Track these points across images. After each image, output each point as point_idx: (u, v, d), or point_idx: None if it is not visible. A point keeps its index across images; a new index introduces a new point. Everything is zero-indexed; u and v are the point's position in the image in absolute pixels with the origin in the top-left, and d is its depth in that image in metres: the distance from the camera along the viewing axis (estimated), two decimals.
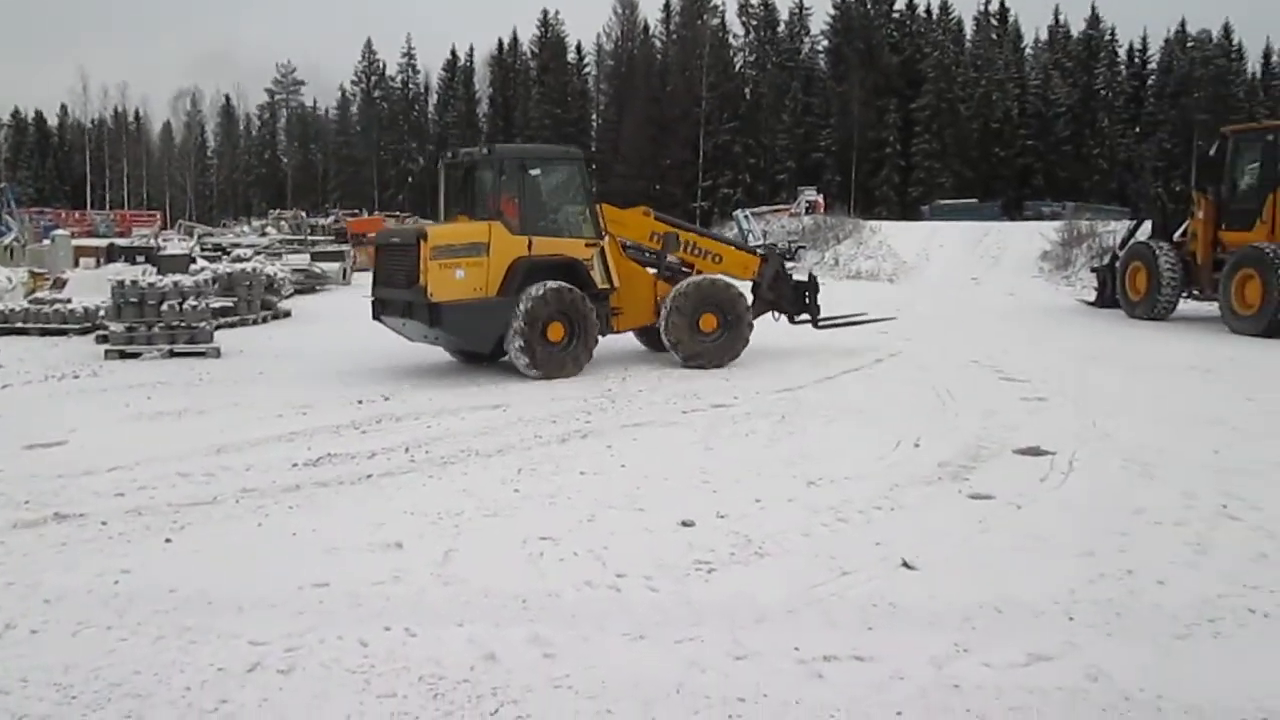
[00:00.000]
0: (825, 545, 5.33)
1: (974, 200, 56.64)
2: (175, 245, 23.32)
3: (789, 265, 12.94)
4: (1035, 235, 30.09)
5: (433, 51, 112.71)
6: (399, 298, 10.91)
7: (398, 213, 53.55)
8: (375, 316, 11.57)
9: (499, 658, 3.97)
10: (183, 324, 12.38)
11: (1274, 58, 70.99)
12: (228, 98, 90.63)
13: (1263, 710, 3.61)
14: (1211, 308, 16.54)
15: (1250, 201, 16.21)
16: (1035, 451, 7.47)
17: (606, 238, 11.45)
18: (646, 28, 79.76)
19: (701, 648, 4.08)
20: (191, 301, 12.45)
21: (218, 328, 13.96)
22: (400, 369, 11.31)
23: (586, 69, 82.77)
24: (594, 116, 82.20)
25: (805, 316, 12.94)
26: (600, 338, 11.34)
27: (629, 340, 12.81)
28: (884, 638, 4.18)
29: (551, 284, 10.65)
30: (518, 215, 10.86)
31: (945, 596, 4.63)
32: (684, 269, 12.22)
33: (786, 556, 5.18)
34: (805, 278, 13.42)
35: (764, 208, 49.83)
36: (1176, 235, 17.80)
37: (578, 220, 11.47)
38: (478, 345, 11.15)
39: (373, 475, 6.76)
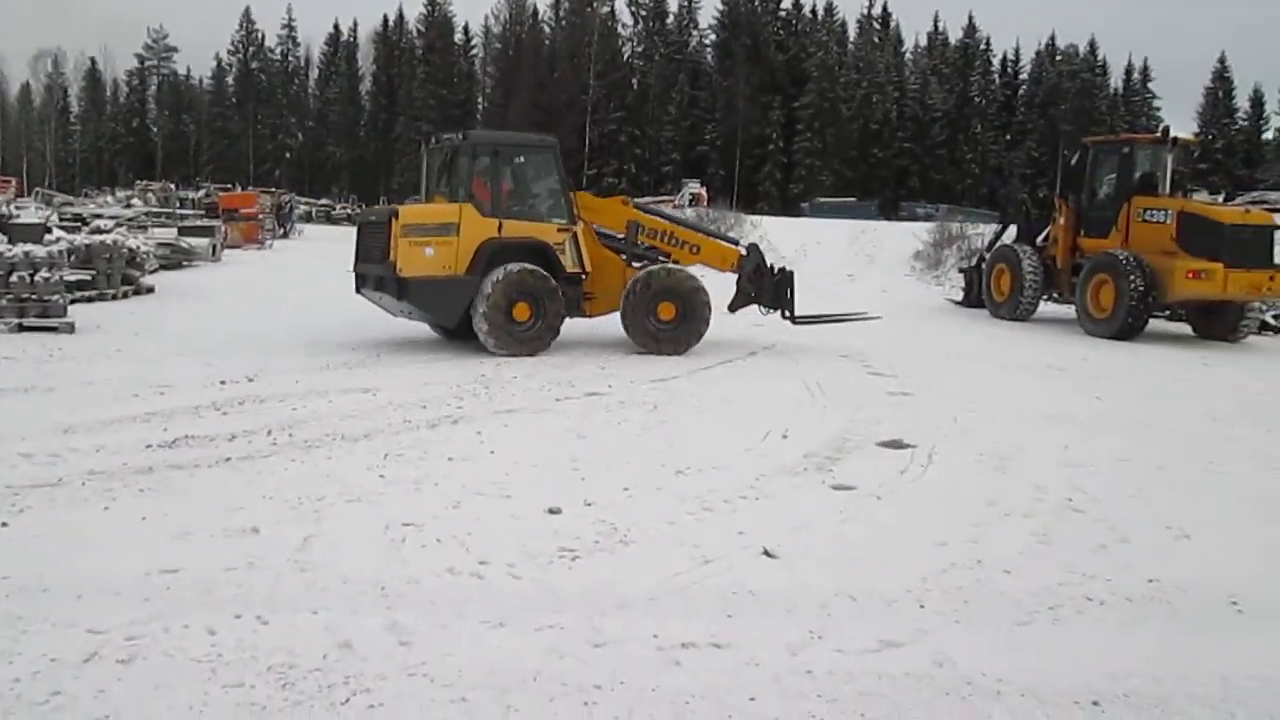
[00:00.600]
0: (690, 534, 5.38)
1: (852, 199, 58.08)
2: (31, 214, 22.08)
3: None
4: (909, 235, 30.98)
5: (314, 25, 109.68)
6: (374, 272, 11.66)
7: (273, 189, 51.91)
8: (356, 290, 12.31)
9: (354, 646, 3.88)
10: (33, 296, 11.74)
11: (1134, 74, 74.65)
12: (93, 61, 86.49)
13: (1093, 693, 3.78)
14: (1070, 310, 17.30)
15: (1107, 210, 17.01)
16: (897, 445, 7.69)
17: (580, 224, 11.88)
18: (535, 12, 79.46)
19: (561, 635, 4.07)
20: (44, 273, 11.82)
21: (73, 302, 13.30)
22: (268, 349, 10.97)
23: (473, 51, 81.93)
24: (480, 99, 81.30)
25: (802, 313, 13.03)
26: (580, 318, 12.16)
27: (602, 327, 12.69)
28: (742, 625, 4.24)
29: (518, 266, 11.20)
30: (490, 198, 11.53)
31: (804, 585, 4.72)
32: (661, 258, 12.42)
33: (651, 545, 5.21)
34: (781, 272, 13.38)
35: (648, 198, 50.00)
36: (1039, 240, 18.54)
37: (550, 206, 12.04)
38: (443, 319, 11.75)
39: (231, 459, 6.53)
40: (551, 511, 5.64)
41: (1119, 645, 4.26)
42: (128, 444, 6.73)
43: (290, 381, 9.16)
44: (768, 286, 12.84)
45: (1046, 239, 18.34)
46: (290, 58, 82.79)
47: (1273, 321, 18.11)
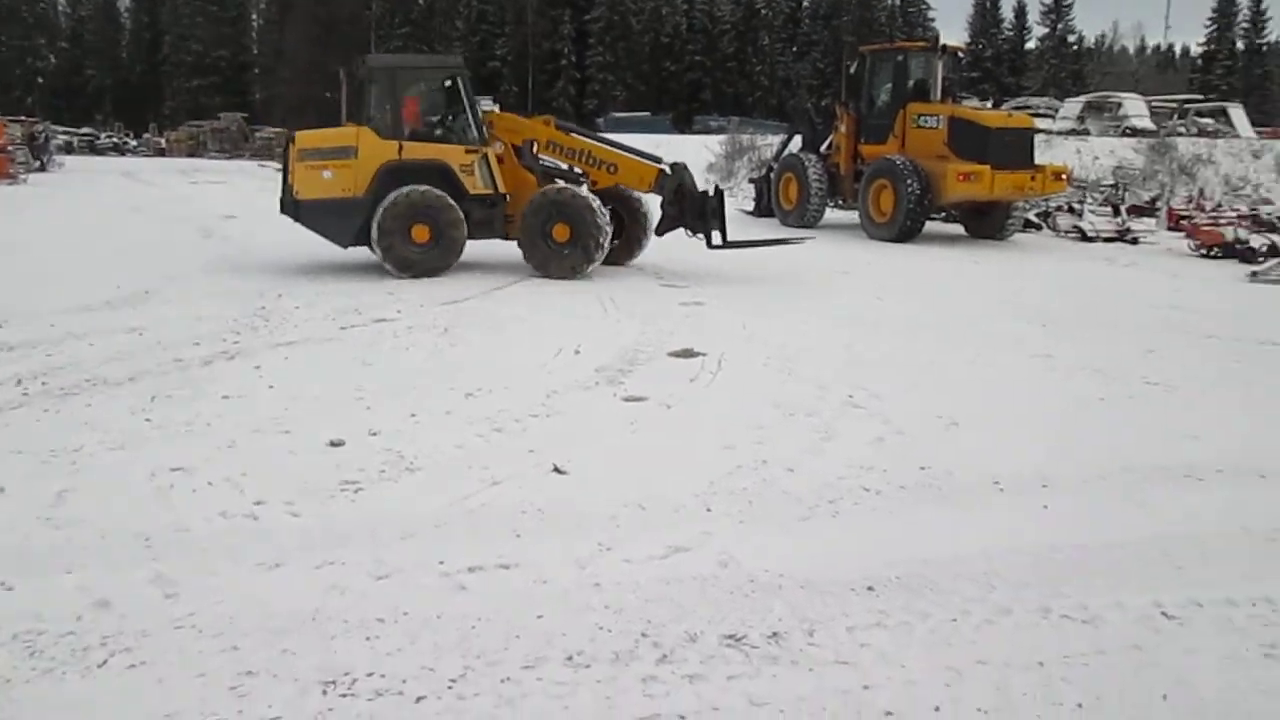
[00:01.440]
0: (479, 456, 5.28)
1: (647, 113, 58.18)
2: None
3: None
4: (702, 148, 31.30)
5: None
6: (285, 196, 11.86)
7: (25, 117, 47.43)
8: (281, 212, 12.10)
9: (112, 603, 3.61)
10: None
11: None
12: None
13: (868, 578, 3.95)
14: (854, 216, 17.93)
15: (884, 117, 17.62)
16: (688, 354, 7.79)
17: (498, 146, 11.84)
18: None
19: (342, 570, 3.92)
20: None
21: None
22: (18, 292, 10.03)
23: None
24: (254, 16, 76.50)
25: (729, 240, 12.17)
26: (502, 239, 12.17)
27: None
28: (530, 544, 4.20)
29: (414, 188, 11.19)
30: (389, 121, 11.62)
31: (593, 498, 4.72)
32: (580, 178, 12.14)
33: (438, 470, 5.08)
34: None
35: None
36: (824, 148, 19.06)
37: (458, 127, 11.90)
38: (336, 239, 11.74)
39: None
40: (334, 444, 5.42)
41: (893, 532, 4.46)
42: None
43: (44, 326, 8.41)
44: (691, 208, 12.03)
45: (830, 147, 18.87)
46: None
47: (1035, 219, 19.34)
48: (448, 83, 12.11)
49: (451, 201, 11.33)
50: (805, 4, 75.81)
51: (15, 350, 7.54)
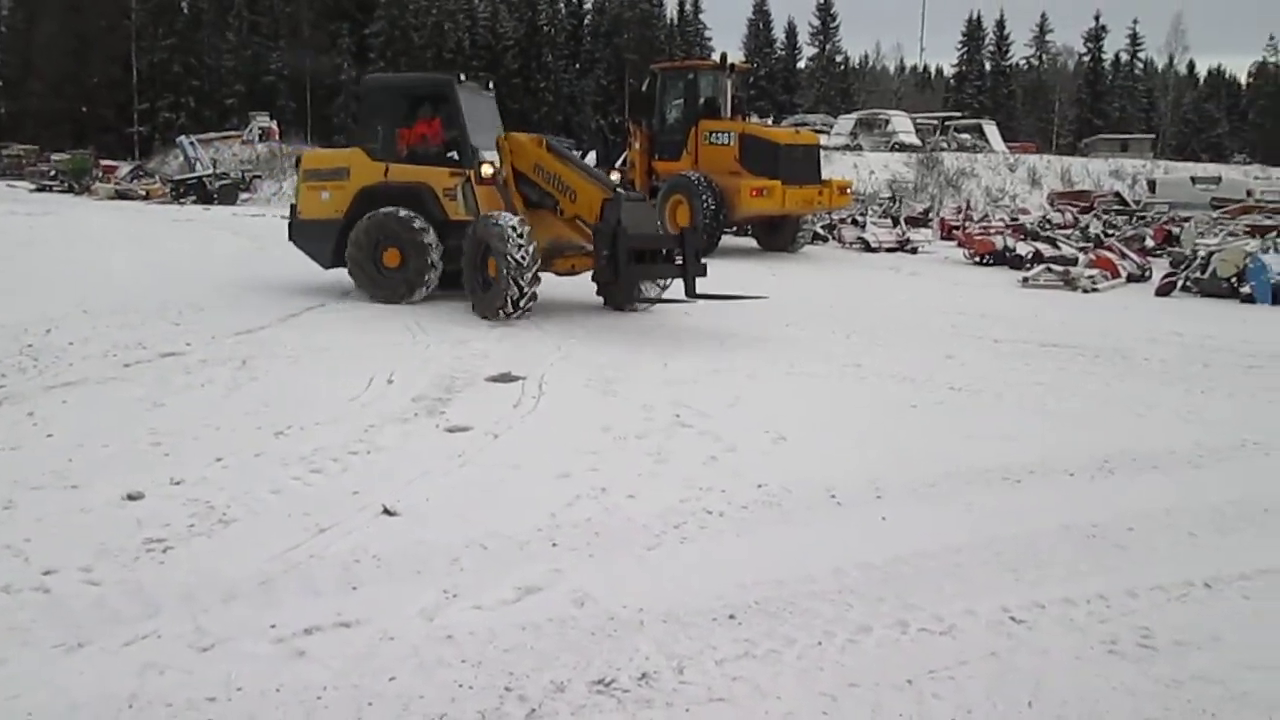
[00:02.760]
0: (299, 502, 4.89)
1: None
2: None
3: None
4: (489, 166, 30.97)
5: None
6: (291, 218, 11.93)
7: None
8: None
9: None
10: None
11: (687, 6, 79.53)
12: None
13: (728, 606, 3.86)
14: None
15: (677, 134, 17.92)
16: (507, 378, 7.58)
17: (488, 168, 10.60)
18: None
19: (159, 645, 3.49)
20: None
21: None
22: None
23: None
24: None
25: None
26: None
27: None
28: (370, 596, 3.89)
29: (384, 211, 10.81)
30: (379, 142, 11.31)
31: (431, 540, 4.44)
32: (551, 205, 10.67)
33: (256, 519, 4.67)
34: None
35: (212, 134, 46.14)
36: (618, 165, 19.16)
37: (448, 149, 11.14)
38: (318, 259, 11.65)
39: None
40: (131, 497, 4.89)
41: (743, 554, 4.41)
42: None
43: None
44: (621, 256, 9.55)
45: (624, 164, 19.00)
46: None
47: (822, 231, 20.14)
48: (435, 99, 11.27)
49: (420, 225, 10.69)
50: (587, 21, 76.53)
51: None
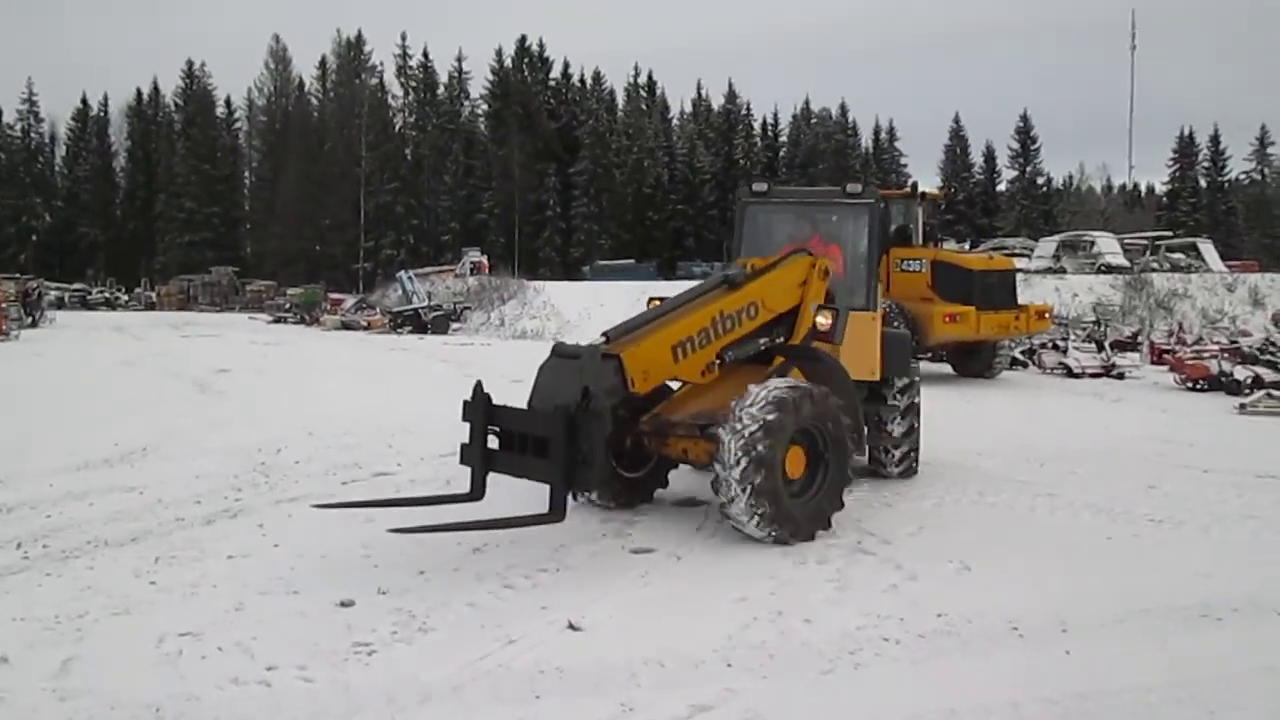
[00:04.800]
0: (491, 614, 5.21)
1: (631, 260, 59.32)
2: None
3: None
4: None
5: (59, 100, 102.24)
6: None
7: (19, 274, 48.10)
8: None
9: None
10: None
11: (882, 134, 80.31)
12: None
13: None
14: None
15: None
16: (690, 502, 7.77)
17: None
18: (302, 84, 77.64)
19: None
20: None
21: None
22: (17, 451, 9.98)
23: (237, 124, 78.99)
24: (247, 173, 78.47)
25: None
26: None
27: None
28: (551, 706, 4.12)
29: None
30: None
31: (611, 656, 4.64)
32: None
33: (451, 629, 5.01)
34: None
35: (429, 269, 49.48)
36: None
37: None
38: None
39: None
40: (343, 604, 5.34)
41: (916, 682, 4.40)
42: None
43: (43, 485, 8.34)
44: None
45: None
46: (33, 134, 77.18)
47: (1021, 357, 19.64)
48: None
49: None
50: (782, 154, 78.35)
51: (14, 512, 7.47)
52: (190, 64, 76.26)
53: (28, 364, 20.52)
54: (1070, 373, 18.47)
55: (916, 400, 8.85)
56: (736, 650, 4.74)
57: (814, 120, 78.67)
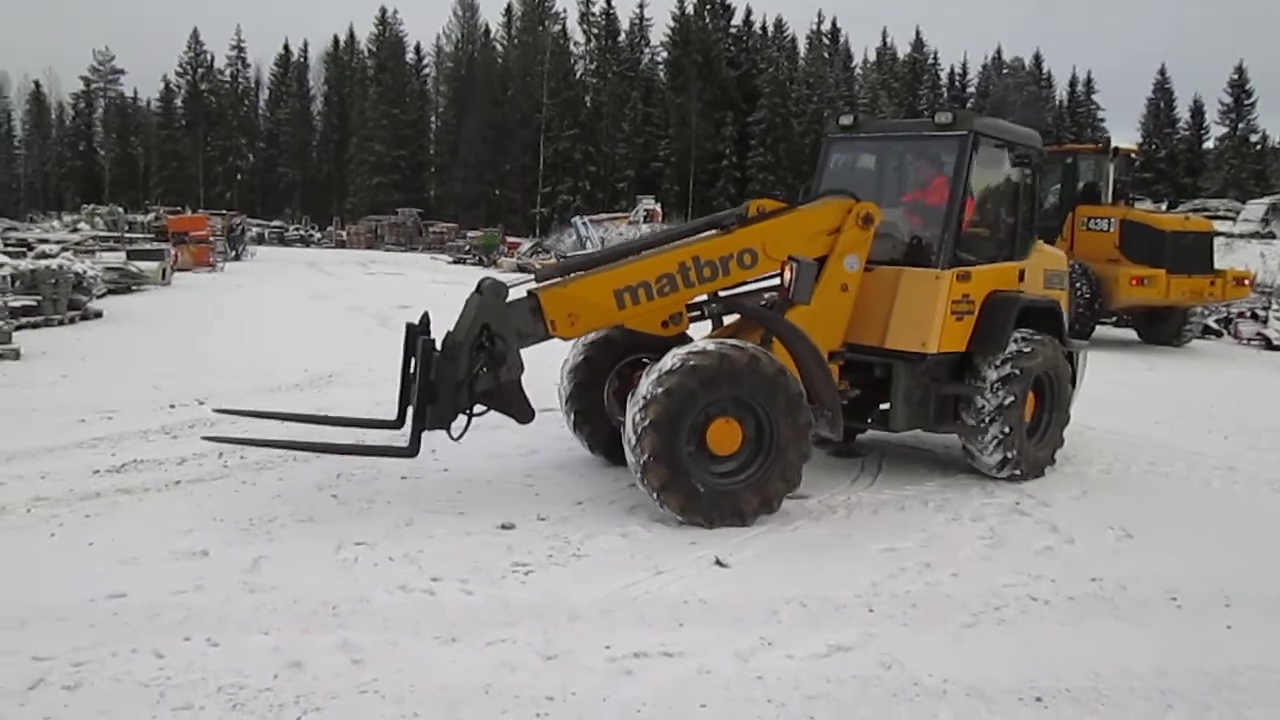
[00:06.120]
0: (643, 546, 5.41)
1: None
2: None
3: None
4: None
5: (264, 46, 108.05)
6: None
7: (225, 211, 51.42)
8: None
9: (304, 665, 3.87)
10: None
11: (1078, 86, 76.08)
12: (37, 84, 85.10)
13: (1036, 689, 3.87)
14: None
15: (1052, 220, 17.23)
16: (849, 452, 7.78)
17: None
18: (487, 31, 79.32)
19: (513, 649, 4.09)
20: None
21: (18, 328, 13.09)
22: (219, 372, 10.84)
23: (425, 70, 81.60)
24: (433, 118, 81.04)
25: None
26: None
27: None
28: (693, 634, 4.28)
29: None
30: None
31: (755, 592, 4.77)
32: None
33: (604, 557, 5.24)
34: None
35: (603, 215, 50.15)
36: None
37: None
38: None
39: (181, 482, 6.48)
40: (504, 527, 5.65)
41: (1061, 642, 4.35)
42: (74, 470, 6.63)
43: (241, 404, 9.04)
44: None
45: None
46: (240, 79, 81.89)
47: (1215, 325, 18.53)
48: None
49: None
50: (969, 105, 75.40)
51: (215, 426, 8.12)
52: (384, 11, 79.14)
53: (229, 294, 22.03)
54: (1269, 344, 17.31)
55: (1016, 387, 6.93)
56: (880, 597, 4.79)
57: (1005, 70, 75.29)
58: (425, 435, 5.88)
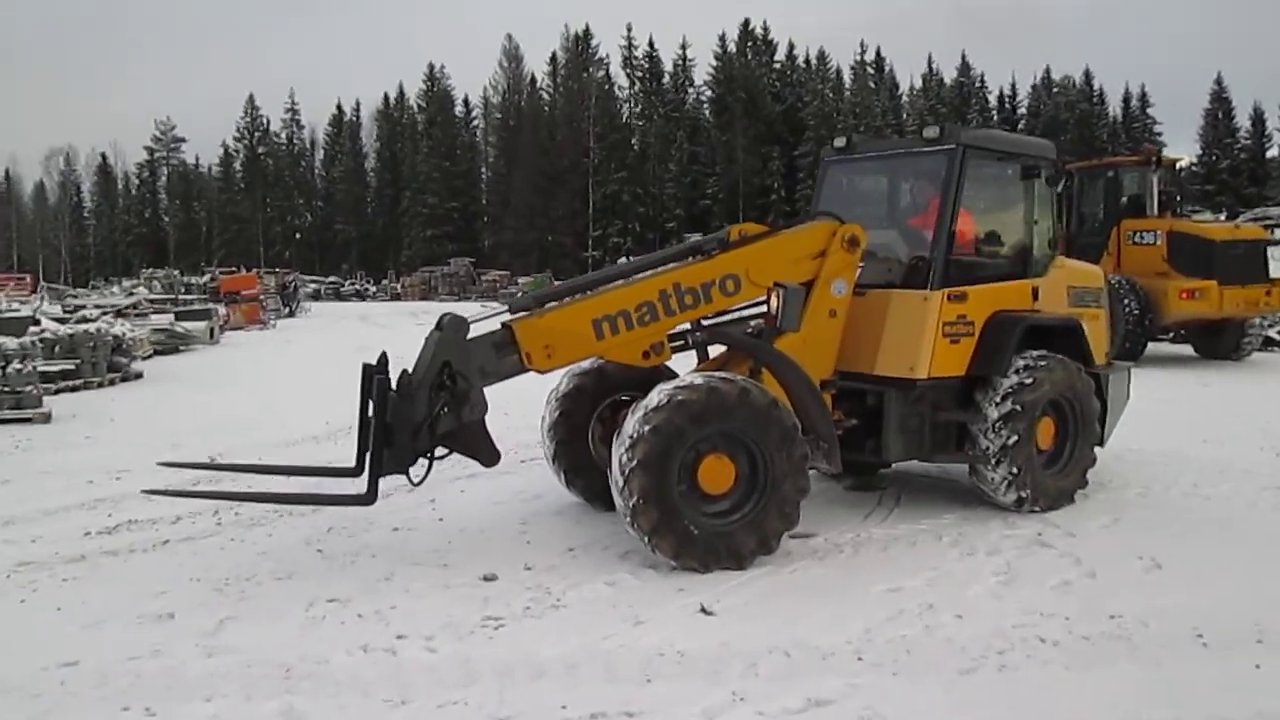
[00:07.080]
0: (627, 594, 5.13)
1: None
2: (31, 308, 22.43)
3: None
4: None
5: (317, 107, 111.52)
6: None
7: (278, 270, 52.41)
8: None
9: None
10: (7, 389, 11.66)
11: (1133, 101, 74.69)
12: (104, 156, 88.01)
13: None
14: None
15: (1096, 235, 16.74)
16: (865, 486, 7.42)
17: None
18: (533, 80, 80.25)
19: (464, 710, 3.83)
20: (16, 365, 11.76)
21: (57, 391, 13.24)
22: (241, 429, 10.78)
23: (474, 122, 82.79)
24: (483, 169, 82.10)
25: None
26: None
27: None
28: (661, 690, 3.99)
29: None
30: None
31: (736, 642, 4.46)
32: None
33: (584, 607, 4.97)
34: None
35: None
36: None
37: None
38: None
39: (170, 541, 6.34)
40: (486, 579, 5.41)
41: (1065, 690, 3.98)
42: (66, 532, 6.54)
43: (253, 458, 8.95)
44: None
45: None
46: (295, 140, 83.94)
47: (1276, 336, 17.76)
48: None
49: None
50: (1020, 126, 74.35)
51: (220, 484, 8.04)
52: (431, 66, 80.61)
53: (276, 350, 22.27)
54: None
55: (1019, 424, 6.45)
56: (872, 643, 4.45)
57: (1055, 89, 74.18)
58: (413, 477, 5.70)
